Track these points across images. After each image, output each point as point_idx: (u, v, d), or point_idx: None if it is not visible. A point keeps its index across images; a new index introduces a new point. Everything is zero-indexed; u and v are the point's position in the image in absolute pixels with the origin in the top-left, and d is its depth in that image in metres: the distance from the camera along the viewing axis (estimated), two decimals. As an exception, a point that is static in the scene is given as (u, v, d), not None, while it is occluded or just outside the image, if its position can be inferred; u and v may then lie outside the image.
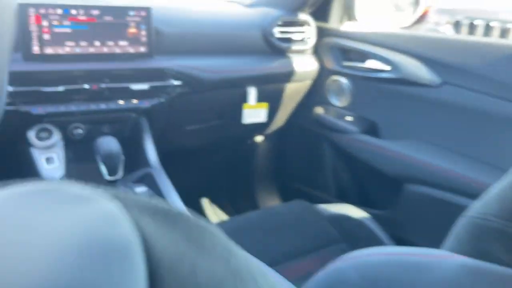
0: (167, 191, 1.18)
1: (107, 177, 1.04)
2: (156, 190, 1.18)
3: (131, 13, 1.24)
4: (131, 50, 1.26)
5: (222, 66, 1.42)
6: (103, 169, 1.03)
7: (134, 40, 1.26)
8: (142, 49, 1.27)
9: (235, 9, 1.62)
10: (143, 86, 1.27)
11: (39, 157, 1.16)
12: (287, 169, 2.00)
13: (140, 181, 1.21)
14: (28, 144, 1.17)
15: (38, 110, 1.15)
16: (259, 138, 1.94)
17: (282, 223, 1.36)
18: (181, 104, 1.40)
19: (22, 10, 1.11)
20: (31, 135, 1.17)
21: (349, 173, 1.68)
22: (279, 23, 1.54)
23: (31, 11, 1.13)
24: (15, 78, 1.12)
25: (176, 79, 1.31)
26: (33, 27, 1.13)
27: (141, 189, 1.17)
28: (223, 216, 2.12)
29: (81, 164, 1.33)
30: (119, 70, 1.23)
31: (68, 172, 1.22)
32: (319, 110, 1.69)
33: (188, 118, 1.50)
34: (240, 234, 1.25)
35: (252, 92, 1.53)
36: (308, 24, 1.62)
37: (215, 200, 2.17)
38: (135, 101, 1.27)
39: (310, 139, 1.80)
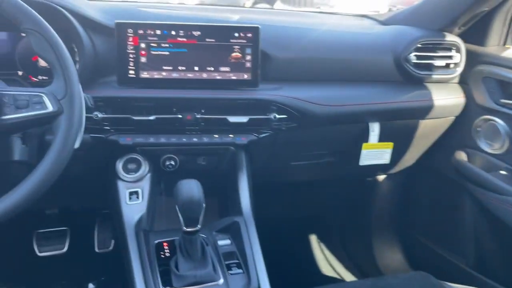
0: (252, 246, 0.98)
1: (185, 228, 0.88)
2: (240, 244, 0.99)
3: (236, 34, 1.07)
4: (233, 77, 1.09)
5: (339, 97, 1.18)
6: (180, 219, 0.88)
7: (237, 66, 1.09)
8: (246, 76, 1.10)
9: (364, 27, 1.36)
10: (242, 119, 1.09)
11: (123, 191, 1.07)
12: (410, 217, 1.66)
13: (226, 231, 1.03)
14: (115, 175, 1.08)
15: (126, 140, 1.05)
16: (380, 177, 1.64)
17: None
18: (285, 139, 1.19)
19: (120, 30, 1.02)
20: (119, 166, 1.08)
21: (497, 244, 1.30)
22: (418, 45, 1.23)
23: (129, 32, 1.03)
24: (107, 104, 1.03)
25: (281, 112, 1.11)
26: (130, 49, 1.04)
27: (224, 242, 1.00)
28: (332, 258, 1.87)
29: (171, 197, 1.22)
30: (217, 99, 1.08)
31: (152, 208, 1.10)
32: (461, 156, 1.33)
33: (293, 154, 1.29)
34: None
35: (375, 129, 1.25)
36: (457, 48, 1.28)
37: (322, 238, 1.93)
38: (231, 135, 1.11)
39: (446, 189, 1.45)
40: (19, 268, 1.55)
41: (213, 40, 1.07)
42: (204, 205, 0.89)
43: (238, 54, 1.08)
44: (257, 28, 1.07)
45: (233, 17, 1.24)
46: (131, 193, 1.07)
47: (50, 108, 0.78)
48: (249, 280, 0.88)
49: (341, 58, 1.21)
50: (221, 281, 0.88)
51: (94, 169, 1.11)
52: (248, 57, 1.09)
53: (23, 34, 1.05)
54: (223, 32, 1.07)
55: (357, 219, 1.79)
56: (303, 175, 1.43)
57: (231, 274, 0.90)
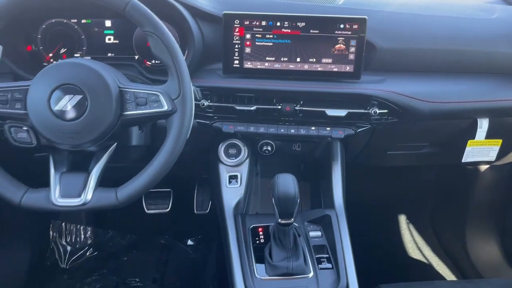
0: (341, 242, 1.01)
1: (280, 220, 0.94)
2: (330, 238, 1.03)
3: (342, 25, 1.04)
4: (335, 68, 1.08)
5: (446, 93, 1.11)
6: (276, 212, 0.93)
7: (339, 58, 1.07)
8: (348, 68, 1.08)
9: (484, 9, 1.23)
10: (341, 113, 1.09)
11: (224, 175, 1.14)
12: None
13: (317, 222, 1.07)
14: (217, 158, 1.15)
15: (229, 128, 1.11)
16: (483, 166, 1.54)
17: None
18: (384, 131, 1.17)
19: (227, 21, 1.05)
20: (221, 150, 1.15)
21: None
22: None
23: (236, 23, 1.05)
24: (212, 93, 1.09)
25: (382, 107, 1.08)
26: (236, 39, 1.07)
27: (315, 233, 1.04)
28: (417, 235, 1.85)
29: (266, 178, 1.28)
30: (316, 93, 1.08)
31: (249, 191, 1.17)
32: None
33: (390, 145, 1.26)
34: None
35: (483, 126, 1.17)
36: None
37: (411, 219, 1.90)
38: (328, 128, 1.11)
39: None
40: (130, 223, 1.76)
41: (317, 31, 1.06)
42: (298, 200, 0.92)
43: (342, 45, 1.06)
44: (364, 19, 1.04)
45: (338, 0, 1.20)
46: (230, 177, 1.14)
47: (165, 107, 0.86)
48: (338, 277, 0.92)
49: (453, 49, 1.12)
50: (311, 274, 0.93)
51: (200, 148, 1.19)
52: (352, 49, 1.06)
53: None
54: (329, 23, 1.05)
55: (451, 207, 1.73)
56: (399, 162, 1.40)
57: (320, 268, 0.95)
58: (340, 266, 0.94)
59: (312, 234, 1.04)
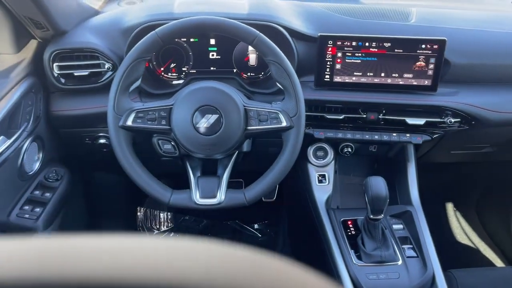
0: (422, 233, 1.19)
1: (371, 216, 1.11)
2: (413, 229, 1.20)
3: (423, 45, 1.19)
4: (414, 82, 1.23)
5: (512, 103, 1.25)
6: (368, 208, 1.10)
7: (419, 73, 1.22)
8: (426, 82, 1.23)
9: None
10: (419, 121, 1.24)
11: (313, 174, 1.32)
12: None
13: (399, 217, 1.24)
14: (306, 160, 1.33)
15: (319, 134, 1.27)
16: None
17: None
18: (453, 135, 1.32)
19: (322, 41, 1.21)
20: (310, 152, 1.32)
21: None
22: None
23: (329, 43, 1.21)
24: (305, 104, 1.25)
25: (455, 116, 1.24)
26: (328, 57, 1.22)
27: (398, 226, 1.22)
28: (464, 223, 2.01)
29: (343, 175, 1.45)
30: (398, 104, 1.23)
31: (335, 189, 1.35)
32: None
33: (456, 146, 1.41)
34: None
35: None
36: None
37: (458, 207, 2.06)
38: (407, 135, 1.27)
39: None
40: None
41: (401, 50, 1.20)
42: (388, 200, 1.09)
43: (422, 63, 1.21)
44: (444, 41, 1.18)
45: (411, 12, 1.33)
46: (319, 176, 1.32)
47: (284, 123, 1.02)
48: (424, 265, 1.10)
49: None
50: (400, 262, 1.11)
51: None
52: (431, 66, 1.21)
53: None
54: (411, 44, 1.19)
55: (497, 195, 1.88)
56: (457, 159, 1.56)
57: (407, 257, 1.13)
58: (426, 256, 1.11)
59: (395, 227, 1.21)
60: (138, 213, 1.92)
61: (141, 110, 1.01)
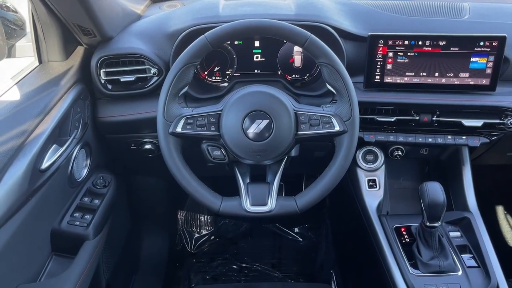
0: (483, 240, 1.12)
1: (428, 223, 1.06)
2: (472, 237, 1.14)
3: (482, 43, 1.12)
4: (472, 82, 1.17)
5: None
6: (424, 215, 1.05)
7: (477, 72, 1.15)
8: (484, 81, 1.16)
9: None
10: (477, 123, 1.18)
11: (363, 179, 1.27)
12: None
13: (456, 223, 1.18)
14: (356, 164, 1.28)
15: (370, 137, 1.22)
16: None
17: None
18: (510, 137, 1.25)
19: (372, 41, 1.16)
20: (359, 156, 1.28)
21: None
22: None
23: (380, 42, 1.16)
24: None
25: (516, 117, 1.17)
26: (379, 57, 1.17)
27: (455, 233, 1.16)
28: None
29: (393, 179, 1.39)
30: (453, 105, 1.17)
31: (386, 194, 1.30)
32: None
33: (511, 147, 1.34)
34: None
35: None
36: None
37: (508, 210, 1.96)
38: (464, 137, 1.21)
39: None
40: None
41: (457, 48, 1.14)
42: (446, 206, 1.04)
43: (480, 61, 1.15)
44: (504, 37, 1.11)
45: (464, 7, 1.26)
46: (369, 181, 1.27)
47: (337, 127, 0.98)
48: (488, 276, 1.04)
49: None
50: (460, 272, 1.05)
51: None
52: (490, 64, 1.14)
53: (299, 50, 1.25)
54: (468, 42, 1.13)
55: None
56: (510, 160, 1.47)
57: (468, 267, 1.07)
58: (488, 265, 1.05)
59: (452, 234, 1.15)
60: (179, 217, 1.92)
61: (191, 116, 0.99)
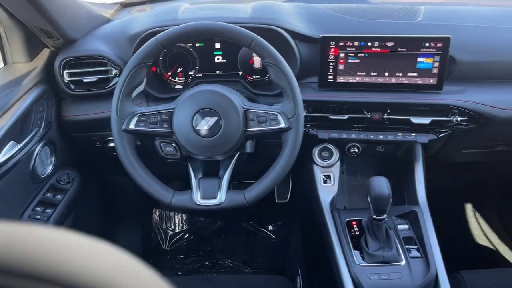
0: (427, 233, 1.17)
1: (374, 216, 1.10)
2: (418, 230, 1.18)
3: (427, 44, 1.18)
4: (419, 81, 1.22)
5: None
6: (371, 209, 1.10)
7: (423, 72, 1.21)
8: (431, 80, 1.21)
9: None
10: (425, 121, 1.23)
11: (318, 175, 1.32)
12: None
13: (405, 217, 1.23)
14: (312, 161, 1.33)
15: (323, 135, 1.28)
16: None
17: None
18: (462, 134, 1.30)
19: (324, 42, 1.21)
20: (315, 153, 1.33)
21: None
22: None
23: (332, 44, 1.21)
24: (308, 104, 1.25)
25: (462, 115, 1.22)
26: (331, 58, 1.23)
27: (403, 226, 1.20)
28: (483, 223, 1.97)
29: (351, 176, 1.44)
30: (402, 104, 1.22)
31: (340, 189, 1.35)
32: None
33: (466, 145, 1.39)
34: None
35: (556, 128, 1.28)
36: None
37: (477, 208, 2.01)
38: (413, 134, 1.26)
39: None
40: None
41: (404, 49, 1.20)
42: (391, 200, 1.09)
43: (426, 61, 1.20)
44: (448, 38, 1.16)
45: (419, 10, 1.32)
46: (325, 177, 1.32)
47: (282, 124, 1.03)
48: (428, 266, 1.09)
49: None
50: (403, 262, 1.10)
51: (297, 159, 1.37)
52: (436, 64, 1.20)
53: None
54: (415, 43, 1.18)
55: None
56: (470, 158, 1.52)
57: (411, 257, 1.12)
58: (430, 256, 1.10)
59: (400, 227, 1.20)
60: (154, 215, 1.97)
61: (144, 114, 1.04)
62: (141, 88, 1.08)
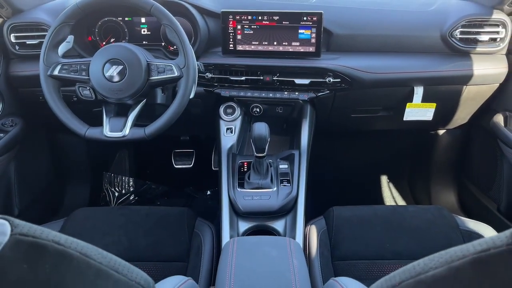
0: (298, 168, 1.42)
1: (256, 154, 1.36)
2: (293, 167, 1.44)
3: (305, 18, 1.46)
4: (302, 49, 1.49)
5: (385, 66, 1.49)
6: (253, 148, 1.36)
7: (304, 42, 1.48)
8: (311, 49, 1.49)
9: (430, 4, 1.58)
10: (305, 81, 1.50)
11: (223, 127, 1.59)
12: (465, 166, 1.91)
13: (286, 159, 1.49)
14: (218, 116, 1.60)
15: (225, 92, 1.55)
16: (441, 131, 1.90)
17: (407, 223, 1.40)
18: (343, 96, 1.56)
19: (224, 16, 1.49)
20: (221, 110, 1.60)
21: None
22: (464, 23, 1.46)
23: (230, 17, 1.49)
24: (215, 68, 1.53)
25: (336, 77, 1.49)
26: (230, 29, 1.50)
27: (283, 165, 1.46)
28: (394, 190, 2.22)
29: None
30: (288, 67, 1.50)
31: (241, 139, 1.61)
32: (498, 119, 1.55)
33: (351, 108, 1.65)
34: (362, 223, 1.39)
35: (418, 92, 1.55)
36: (503, 24, 1.46)
37: (392, 180, 2.26)
38: (296, 93, 1.53)
39: (487, 145, 1.67)
40: (162, 174, 2.25)
41: (287, 22, 1.47)
42: (268, 139, 1.35)
43: (305, 32, 1.48)
44: (320, 13, 1.44)
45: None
46: (227, 129, 1.58)
47: (176, 73, 1.30)
48: (292, 189, 1.35)
49: (392, 34, 1.50)
50: (275, 189, 1.36)
51: (208, 111, 1.64)
52: (313, 35, 1.47)
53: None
54: (295, 17, 1.46)
55: (422, 166, 2.09)
56: (364, 126, 1.79)
57: (282, 185, 1.38)
58: (294, 184, 1.36)
59: (281, 166, 1.46)
60: (104, 177, 2.23)
61: (66, 63, 1.31)
62: (69, 46, 1.35)
